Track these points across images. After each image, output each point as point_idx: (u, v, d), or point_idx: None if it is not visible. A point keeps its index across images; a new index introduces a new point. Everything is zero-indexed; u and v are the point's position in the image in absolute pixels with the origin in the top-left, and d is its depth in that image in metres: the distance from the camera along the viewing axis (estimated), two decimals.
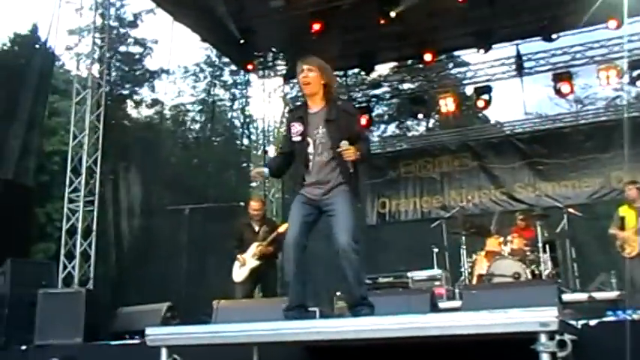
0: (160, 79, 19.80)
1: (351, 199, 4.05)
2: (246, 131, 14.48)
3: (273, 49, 12.69)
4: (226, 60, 14.70)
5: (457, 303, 6.93)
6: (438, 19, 10.73)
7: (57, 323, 6.31)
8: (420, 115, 13.27)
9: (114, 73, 11.38)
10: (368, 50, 11.76)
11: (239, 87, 13.88)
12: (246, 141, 14.87)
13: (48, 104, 11.30)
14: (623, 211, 7.82)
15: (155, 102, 18.15)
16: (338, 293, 7.75)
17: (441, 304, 6.46)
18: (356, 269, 3.93)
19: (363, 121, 11.33)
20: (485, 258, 8.18)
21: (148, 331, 3.71)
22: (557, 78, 11.44)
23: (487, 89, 11.95)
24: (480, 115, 17.29)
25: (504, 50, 11.99)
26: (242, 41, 11.08)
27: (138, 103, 18.58)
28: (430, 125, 19.57)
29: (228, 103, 14.77)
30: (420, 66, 12.79)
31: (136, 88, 19.21)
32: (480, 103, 12.02)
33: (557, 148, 11.46)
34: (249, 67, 12.31)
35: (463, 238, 8.74)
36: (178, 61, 21.73)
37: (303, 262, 4.01)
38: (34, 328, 6.30)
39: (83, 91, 9.46)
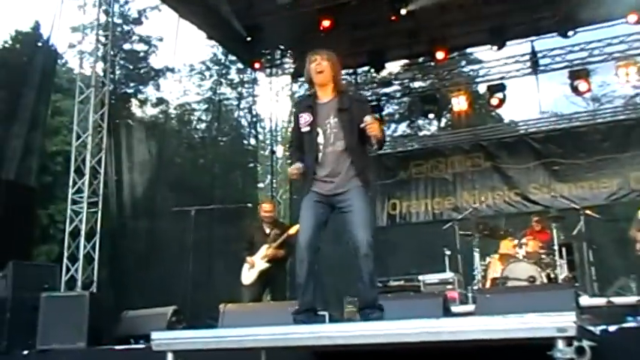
0: (165, 78, 19.91)
1: (366, 194, 4.04)
2: (253, 131, 14.47)
3: (281, 47, 12.72)
4: (233, 58, 14.72)
5: (470, 307, 6.92)
6: (450, 15, 10.71)
7: (60, 327, 6.33)
8: (432, 114, 13.23)
9: (118, 72, 11.44)
10: (378, 47, 11.76)
11: (246, 85, 13.86)
12: (253, 141, 14.88)
13: (50, 103, 11.36)
14: None
15: (160, 101, 18.26)
16: (348, 298, 7.77)
17: (454, 309, 6.43)
18: (372, 269, 3.92)
19: None
20: (499, 261, 8.15)
21: (154, 335, 3.71)
22: (574, 75, 11.39)
23: (501, 87, 11.92)
24: (494, 114, 17.27)
25: (519, 47, 11.97)
26: (249, 39, 11.10)
27: (142, 102, 18.67)
28: (442, 124, 19.52)
29: (235, 102, 14.74)
30: (432, 64, 12.77)
31: (141, 87, 19.30)
32: (494, 102, 12.00)
33: (573, 148, 11.40)
34: (257, 65, 12.35)
35: (476, 240, 8.70)
36: (184, 59, 21.86)
37: (315, 264, 3.99)
38: (37, 333, 6.32)
39: (86, 90, 9.49)
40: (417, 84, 14.08)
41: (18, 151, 9.27)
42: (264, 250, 7.18)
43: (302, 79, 13.45)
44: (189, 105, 18.64)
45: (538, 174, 11.66)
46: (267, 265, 7.15)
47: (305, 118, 4.14)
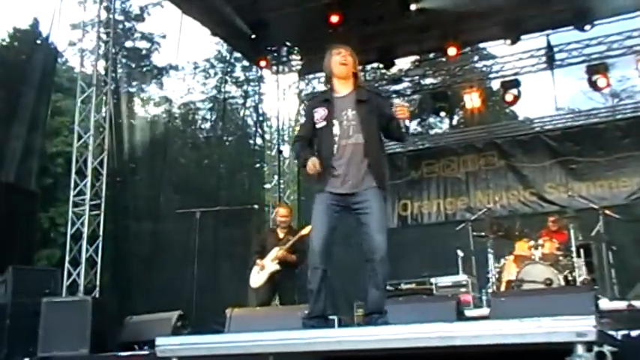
0: (168, 76, 19.99)
1: (382, 195, 4.04)
2: (259, 130, 14.54)
3: (288, 44, 12.72)
4: (238, 55, 14.77)
5: (485, 311, 6.91)
6: (462, 9, 10.67)
7: (62, 334, 6.35)
8: (443, 112, 13.24)
9: (120, 70, 11.47)
10: (388, 43, 11.75)
11: (252, 83, 13.94)
12: (259, 140, 14.94)
13: (51, 103, 11.39)
14: None
15: (163, 100, 18.28)
16: (358, 302, 7.77)
17: (468, 312, 6.44)
18: (386, 275, 3.94)
19: None
20: (514, 263, 8.13)
21: (158, 341, 3.71)
22: (592, 70, 11.32)
23: (515, 83, 11.87)
24: (508, 110, 17.25)
25: (534, 41, 11.92)
26: (253, 36, 11.12)
27: (145, 101, 18.71)
28: (454, 122, 19.52)
29: (241, 101, 14.83)
30: (443, 59, 12.74)
31: (144, 86, 19.35)
32: (508, 98, 11.97)
33: (591, 146, 11.35)
34: (263, 62, 12.35)
35: (490, 241, 8.68)
36: (188, 57, 21.84)
37: (328, 270, 3.98)
38: (38, 340, 6.33)
39: (88, 89, 9.52)
40: (428, 81, 14.05)
41: (18, 152, 9.30)
42: (275, 252, 7.20)
43: (310, 76, 13.52)
44: (193, 104, 18.72)
45: (554, 173, 11.62)
46: (277, 267, 7.15)
47: (320, 112, 4.14)
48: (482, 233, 8.92)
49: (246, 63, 14.19)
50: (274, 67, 12.98)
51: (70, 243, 8.98)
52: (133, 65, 19.41)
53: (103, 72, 9.89)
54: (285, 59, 13.02)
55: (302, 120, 4.33)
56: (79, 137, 9.36)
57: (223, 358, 3.76)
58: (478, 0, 10.39)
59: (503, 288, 8.01)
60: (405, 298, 7.47)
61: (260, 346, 3.55)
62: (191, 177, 13.28)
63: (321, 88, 13.57)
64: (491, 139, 12.46)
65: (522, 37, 11.23)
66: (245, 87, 15.04)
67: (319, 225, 4.02)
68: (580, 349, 2.80)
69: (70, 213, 9.10)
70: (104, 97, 9.69)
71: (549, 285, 7.32)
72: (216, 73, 20.59)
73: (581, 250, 8.15)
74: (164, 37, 20.68)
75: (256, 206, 10.80)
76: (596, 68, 11.29)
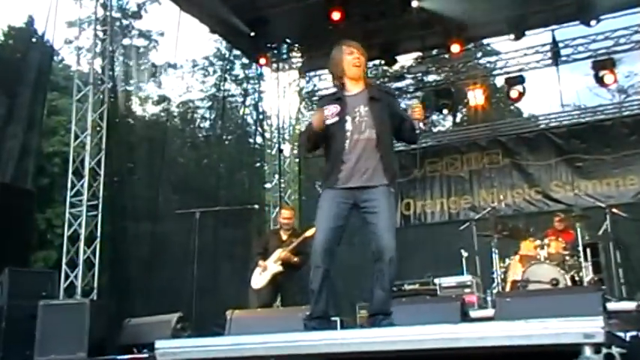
0: (166, 74, 19.96)
1: (391, 194, 4.03)
2: (259, 129, 14.51)
3: (288, 41, 12.71)
4: (237, 53, 14.75)
5: (490, 312, 6.90)
6: (465, 4, 10.67)
7: (59, 337, 6.36)
8: (446, 109, 13.18)
9: (117, 68, 11.42)
10: (390, 40, 11.74)
11: (251, 81, 13.93)
12: (259, 139, 14.91)
13: (47, 102, 11.41)
14: None
15: (162, 98, 18.30)
16: (361, 303, 7.76)
17: (472, 313, 6.41)
18: (394, 276, 3.93)
19: None
20: (520, 263, 8.13)
21: (158, 344, 3.71)
22: (598, 66, 11.30)
23: (520, 80, 11.84)
24: (512, 107, 17.20)
25: (538, 37, 11.91)
26: (252, 34, 11.13)
27: (143, 100, 18.68)
28: (457, 120, 19.52)
29: (240, 99, 14.83)
30: (446, 56, 12.73)
31: (141, 84, 19.27)
32: (513, 95, 11.92)
33: (598, 143, 11.34)
34: (262, 60, 12.34)
35: (495, 241, 8.68)
36: (186, 55, 21.90)
37: (330, 270, 3.96)
38: (34, 343, 6.34)
39: (84, 88, 9.53)
40: (430, 77, 14.07)
41: (13, 152, 9.29)
42: (279, 254, 7.20)
43: (310, 73, 13.49)
44: (192, 102, 18.73)
45: (560, 171, 11.62)
46: (280, 268, 7.16)
47: (332, 109, 4.11)
48: (487, 233, 8.92)
49: (245, 60, 14.18)
50: (274, 65, 12.98)
51: (67, 244, 8.99)
52: (131, 63, 19.37)
53: (99, 70, 9.89)
54: (285, 56, 13.02)
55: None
56: (76, 137, 9.37)
57: None
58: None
59: (508, 288, 8.01)
60: (409, 299, 7.45)
61: (261, 348, 3.54)
62: (190, 177, 13.28)
63: (322, 85, 13.63)
64: (496, 137, 12.44)
65: (527, 32, 11.21)
66: (245, 85, 15.04)
67: (324, 223, 3.99)
68: (588, 351, 2.79)
69: (67, 214, 9.11)
70: (101, 96, 9.69)
71: (556, 285, 7.31)
72: (215, 71, 20.61)
73: (588, 250, 8.14)
74: (162, 34, 20.73)
75: (257, 206, 10.80)
76: (603, 64, 11.27)
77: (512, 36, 11.17)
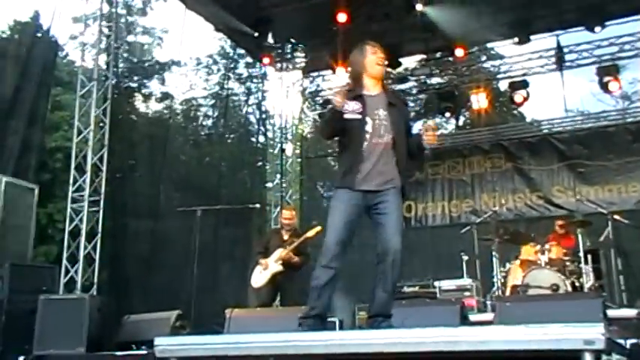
0: (170, 72, 19.94)
1: (401, 197, 4.08)
2: (262, 128, 14.52)
3: (292, 41, 12.71)
4: (241, 51, 14.76)
5: (489, 316, 6.90)
6: (470, 7, 10.66)
7: (58, 332, 6.36)
8: (449, 112, 13.14)
9: (121, 65, 11.45)
10: (393, 42, 11.69)
11: (255, 80, 13.93)
12: (262, 138, 14.91)
13: (51, 97, 11.39)
14: None
15: (165, 96, 18.31)
16: (360, 304, 7.75)
17: (472, 317, 6.41)
18: (396, 278, 3.94)
19: None
20: (520, 267, 8.11)
21: (157, 341, 3.70)
22: (603, 72, 11.28)
23: (523, 84, 11.82)
24: (515, 112, 17.21)
25: (543, 41, 11.89)
26: (256, 34, 11.15)
27: (147, 97, 18.73)
28: (460, 123, 19.47)
29: (243, 98, 14.83)
30: (450, 59, 12.71)
31: (145, 81, 19.35)
32: (517, 99, 11.90)
33: (601, 149, 11.32)
34: (266, 59, 12.33)
35: (495, 245, 8.67)
36: (190, 53, 21.90)
37: (341, 268, 3.94)
38: (34, 338, 6.34)
39: (88, 84, 9.54)
40: (434, 80, 14.02)
41: (16, 147, 9.30)
42: (279, 253, 7.20)
43: (314, 74, 13.48)
44: (195, 100, 18.70)
45: (562, 176, 11.59)
46: (280, 268, 7.17)
47: (352, 105, 4.07)
48: (488, 237, 8.91)
49: (249, 59, 14.17)
50: (278, 65, 12.97)
51: (68, 240, 9.01)
52: (135, 60, 19.40)
53: (104, 66, 9.90)
54: (289, 56, 13.02)
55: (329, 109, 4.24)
56: (79, 132, 9.38)
57: (222, 359, 3.76)
58: (486, 3, 10.40)
59: (508, 293, 7.99)
60: (408, 301, 7.44)
61: (260, 347, 3.54)
62: (192, 174, 13.28)
63: (326, 85, 13.64)
64: (498, 141, 12.43)
65: (532, 37, 11.19)
66: (248, 84, 15.03)
67: (338, 224, 3.96)
68: (588, 358, 2.77)
69: (69, 209, 9.13)
70: (105, 92, 9.69)
71: (556, 291, 7.29)
72: (219, 70, 20.56)
73: (589, 256, 8.12)
74: (167, 32, 20.73)
75: (258, 205, 10.79)
76: (607, 70, 11.25)
77: (516, 39, 11.15)
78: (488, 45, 13.45)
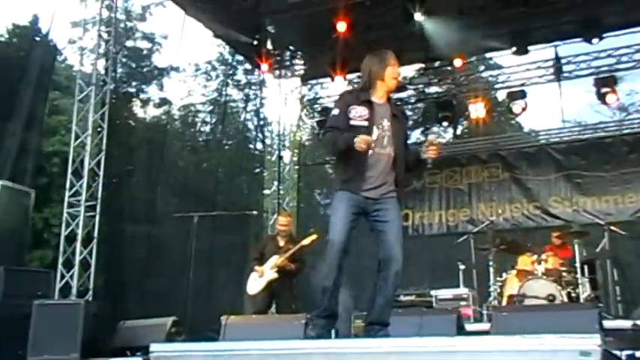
0: (169, 77, 19.95)
1: (399, 205, 4.13)
2: (260, 135, 14.53)
3: (291, 48, 12.73)
4: (240, 58, 14.79)
5: (485, 325, 6.87)
6: (468, 18, 10.69)
7: (53, 337, 6.32)
8: (447, 122, 13.16)
9: (120, 70, 11.47)
10: (392, 51, 11.70)
11: (253, 87, 13.95)
12: (259, 145, 14.93)
13: (48, 101, 11.39)
14: None
15: (163, 101, 18.27)
16: (356, 312, 7.73)
17: (468, 327, 6.41)
18: (396, 286, 3.97)
19: None
20: (517, 277, 8.12)
21: (153, 347, 3.70)
22: (600, 83, 11.35)
23: (521, 94, 11.87)
24: (513, 122, 17.23)
25: (541, 52, 11.93)
26: (255, 42, 11.20)
27: (145, 102, 18.71)
28: (458, 132, 19.49)
29: (242, 104, 14.83)
30: (449, 68, 12.75)
31: (144, 86, 19.35)
32: (515, 109, 11.94)
33: (597, 160, 11.37)
34: (265, 66, 12.35)
35: (492, 255, 8.68)
36: (189, 59, 21.85)
37: (344, 269, 3.97)
38: (27, 343, 6.30)
39: (87, 88, 9.53)
40: (432, 89, 14.06)
41: (13, 150, 9.28)
42: (275, 260, 7.20)
43: (312, 81, 13.51)
44: (193, 106, 18.71)
45: (559, 186, 11.62)
46: (275, 275, 7.17)
47: (360, 111, 4.10)
48: (485, 246, 8.92)
49: (248, 66, 14.19)
50: (276, 72, 13.00)
51: (64, 244, 8.97)
52: (134, 65, 19.41)
53: (102, 71, 9.88)
54: (287, 64, 13.04)
55: (335, 112, 4.19)
56: (77, 137, 9.36)
57: None
58: (484, 13, 10.44)
59: (504, 302, 7.99)
60: (405, 310, 7.42)
61: (256, 355, 3.54)
62: (189, 180, 13.26)
63: (324, 93, 13.65)
64: (496, 151, 12.47)
65: (530, 47, 11.22)
66: (246, 90, 15.05)
67: (342, 225, 3.99)
68: None
69: (65, 214, 9.09)
70: (103, 97, 9.69)
71: (552, 301, 7.29)
72: (217, 76, 20.58)
73: (586, 267, 8.14)
74: (166, 37, 20.70)
75: (255, 212, 10.79)
76: (604, 81, 11.33)
77: (514, 49, 11.18)
78: (487, 55, 13.50)
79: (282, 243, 7.45)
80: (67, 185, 9.19)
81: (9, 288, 6.76)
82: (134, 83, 18.24)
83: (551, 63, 11.91)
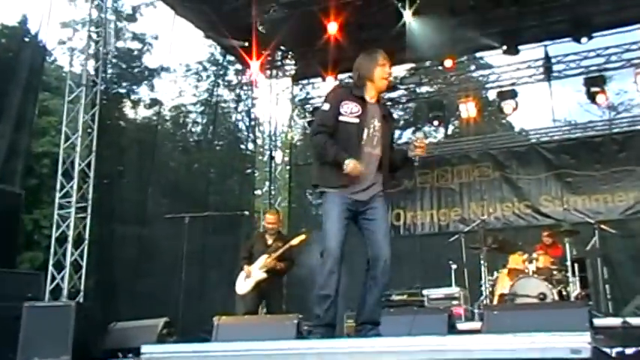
0: (159, 78, 19.89)
1: (386, 203, 4.13)
2: (251, 135, 14.49)
3: (282, 48, 12.73)
4: (231, 58, 14.75)
5: (477, 324, 6.91)
6: (459, 17, 10.72)
7: (43, 340, 6.29)
8: (438, 121, 13.21)
9: (110, 70, 11.35)
10: (383, 50, 11.74)
11: (244, 88, 13.90)
12: (251, 145, 14.89)
13: (38, 102, 11.32)
14: None
15: (154, 102, 18.20)
16: (348, 312, 7.73)
17: (460, 326, 6.44)
18: (385, 285, 3.98)
19: None
20: (508, 276, 8.15)
21: (144, 348, 3.69)
22: (590, 82, 11.41)
23: (512, 94, 11.92)
24: (504, 121, 17.32)
25: (531, 52, 12.01)
26: (246, 44, 11.20)
27: (135, 103, 18.63)
28: (449, 132, 19.57)
29: (233, 105, 14.74)
30: (439, 68, 12.78)
31: (134, 87, 19.27)
32: (505, 109, 12.00)
33: (587, 159, 11.43)
34: (256, 66, 12.32)
35: (484, 254, 8.71)
36: (180, 59, 21.81)
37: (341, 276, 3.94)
38: (18, 346, 6.27)
39: (77, 89, 9.49)
40: (423, 89, 14.10)
41: (2, 152, 9.21)
42: (263, 260, 7.20)
43: (303, 81, 13.51)
44: (184, 107, 18.64)
45: (550, 185, 11.68)
46: (264, 275, 7.16)
47: (352, 107, 4.07)
48: (476, 245, 8.95)
49: (239, 66, 14.16)
50: (268, 72, 12.99)
51: (55, 246, 8.93)
52: (124, 66, 19.31)
53: (92, 72, 9.84)
54: (279, 64, 13.04)
55: (325, 107, 4.14)
56: (67, 138, 9.32)
57: None
58: (474, 13, 10.47)
59: (495, 301, 8.03)
60: (397, 310, 7.45)
61: (248, 356, 3.54)
62: (180, 181, 13.21)
63: (315, 93, 13.65)
64: (487, 150, 12.51)
65: (520, 47, 11.27)
66: (238, 91, 14.98)
67: (337, 229, 3.94)
68: None
69: (56, 215, 9.05)
70: (93, 98, 9.65)
71: (543, 299, 7.33)
72: (208, 76, 20.53)
73: (576, 265, 8.19)
74: (156, 38, 20.63)
75: (246, 213, 10.79)
76: (594, 80, 11.38)
77: (504, 48, 11.21)
78: (477, 55, 13.54)
79: (270, 241, 7.43)
80: (58, 186, 9.15)
81: None
82: (124, 84, 18.15)
83: (541, 62, 11.98)
